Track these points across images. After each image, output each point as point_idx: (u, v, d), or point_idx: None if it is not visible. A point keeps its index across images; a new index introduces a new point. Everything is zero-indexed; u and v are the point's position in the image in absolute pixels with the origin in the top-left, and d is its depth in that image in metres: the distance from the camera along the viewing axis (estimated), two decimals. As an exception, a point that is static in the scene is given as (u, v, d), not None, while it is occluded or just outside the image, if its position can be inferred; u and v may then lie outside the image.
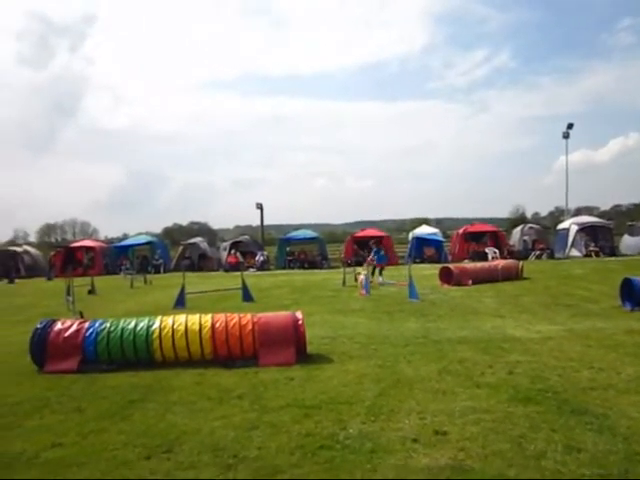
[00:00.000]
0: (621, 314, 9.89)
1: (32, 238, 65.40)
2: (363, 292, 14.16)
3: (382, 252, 18.74)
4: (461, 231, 29.76)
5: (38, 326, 6.94)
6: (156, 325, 6.72)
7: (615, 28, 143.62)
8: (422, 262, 27.10)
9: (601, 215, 49.02)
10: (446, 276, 16.33)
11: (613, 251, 27.95)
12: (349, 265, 20.94)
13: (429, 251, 28.69)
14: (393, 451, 3.94)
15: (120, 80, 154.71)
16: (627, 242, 29.48)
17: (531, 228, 31.16)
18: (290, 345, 6.65)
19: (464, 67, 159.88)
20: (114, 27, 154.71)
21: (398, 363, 6.60)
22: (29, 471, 3.86)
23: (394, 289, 14.83)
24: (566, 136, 41.09)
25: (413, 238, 29.38)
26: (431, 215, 66.77)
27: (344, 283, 16.75)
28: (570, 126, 41.04)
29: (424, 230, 31.43)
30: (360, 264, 21.00)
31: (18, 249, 31.76)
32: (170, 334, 6.60)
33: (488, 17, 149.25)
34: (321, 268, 27.11)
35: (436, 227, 36.24)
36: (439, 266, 18.46)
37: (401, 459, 3.80)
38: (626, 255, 27.25)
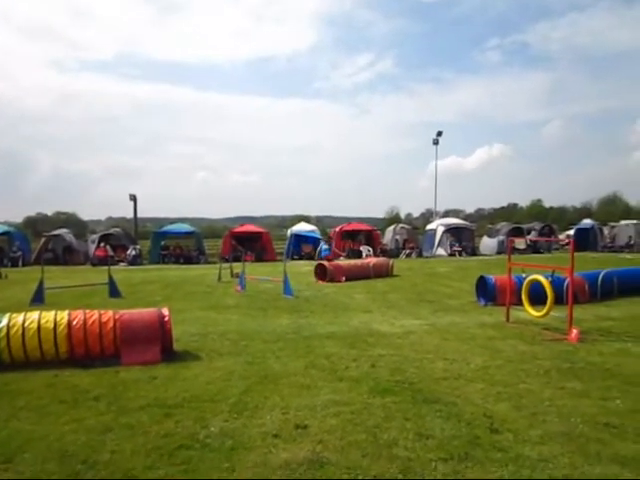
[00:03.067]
0: (476, 309, 10.75)
1: None
2: (239, 288, 14.04)
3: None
4: (338, 229, 30.65)
5: None
6: (3, 323, 6.12)
7: (484, 46, 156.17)
8: (300, 259, 27.50)
9: (466, 218, 53.07)
10: (321, 273, 16.69)
11: (474, 251, 30.34)
12: (226, 261, 20.66)
13: (307, 248, 29.17)
14: (253, 447, 3.94)
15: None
16: (486, 243, 32.24)
17: (402, 228, 32.88)
18: (155, 343, 6.40)
19: (349, 70, 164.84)
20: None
21: (267, 359, 6.62)
22: None
23: (270, 285, 14.86)
24: (436, 142, 43.84)
25: (291, 235, 29.70)
26: (313, 213, 68.00)
27: (220, 279, 16.51)
28: (439, 133, 43.84)
29: (302, 227, 31.89)
30: (238, 259, 20.83)
31: None
32: (20, 333, 6.05)
33: (374, 22, 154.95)
34: (197, 263, 26.45)
35: (316, 225, 36.99)
36: (316, 263, 18.85)
37: (260, 455, 3.81)
38: (485, 255, 29.74)
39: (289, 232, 31.04)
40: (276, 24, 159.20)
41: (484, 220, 62.87)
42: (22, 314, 6.39)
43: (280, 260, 26.50)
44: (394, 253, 28.75)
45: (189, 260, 26.86)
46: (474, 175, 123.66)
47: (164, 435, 4.18)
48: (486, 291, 11.17)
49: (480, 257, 28.34)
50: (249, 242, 28.59)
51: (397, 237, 31.41)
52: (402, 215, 68.54)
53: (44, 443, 4.06)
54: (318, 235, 30.52)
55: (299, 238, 29.66)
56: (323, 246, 20.56)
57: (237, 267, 17.96)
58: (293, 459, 3.74)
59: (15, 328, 6.08)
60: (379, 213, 75.27)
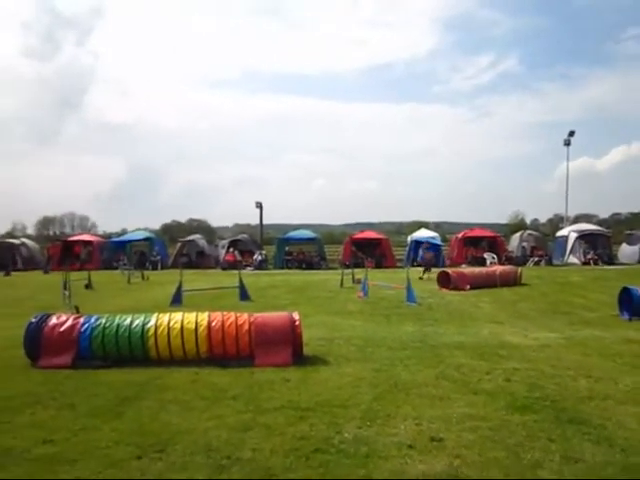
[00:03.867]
0: (619, 323, 9.85)
1: (30, 231, 65.30)
2: (361, 294, 14.11)
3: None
4: (460, 236, 29.78)
5: (32, 320, 6.89)
6: (152, 323, 6.67)
7: (620, 37, 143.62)
8: (420, 266, 27.05)
9: (600, 223, 48.98)
10: (444, 280, 16.30)
11: (611, 259, 27.97)
12: (347, 266, 20.90)
13: (428, 255, 28.63)
14: (389, 457, 3.89)
15: (125, 75, 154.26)
16: (625, 251, 29.54)
17: (530, 235, 31.18)
18: (287, 346, 6.59)
19: (470, 72, 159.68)
20: (120, 21, 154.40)
21: (394, 367, 6.55)
22: (19, 467, 3.80)
23: (392, 292, 14.77)
24: (567, 143, 41.10)
25: (412, 241, 29.32)
26: (430, 219, 66.67)
27: (342, 284, 16.71)
28: (572, 133, 41.04)
29: (423, 234, 31.39)
30: (358, 266, 21.01)
31: (16, 241, 31.68)
32: (166, 332, 6.55)
33: (496, 22, 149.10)
34: (319, 269, 27.06)
35: (435, 231, 36.24)
36: (437, 270, 18.45)
37: (396, 465, 3.75)
38: (624, 264, 27.26)
39: (409, 238, 30.68)
40: (393, 30, 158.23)
41: (621, 226, 57.52)
42: (167, 314, 6.91)
43: (399, 267, 26.31)
44: (521, 261, 27.31)
45: (311, 265, 27.56)
46: (608, 177, 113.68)
47: (300, 437, 4.27)
48: (631, 304, 10.20)
49: (618, 266, 26.04)
50: (369, 248, 28.72)
51: (524, 244, 29.85)
52: (527, 220, 65.01)
53: (191, 437, 4.33)
54: (439, 242, 29.84)
55: (420, 245, 29.19)
56: (419, 251, 20.45)
57: (358, 273, 18.10)
58: (430, 472, 3.64)
59: (162, 328, 6.58)
60: (499, 218, 71.93)
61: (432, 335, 8.65)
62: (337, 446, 4.09)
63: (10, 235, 52.59)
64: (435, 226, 58.16)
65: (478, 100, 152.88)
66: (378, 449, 4.03)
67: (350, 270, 18.61)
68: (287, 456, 3.93)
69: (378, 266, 27.04)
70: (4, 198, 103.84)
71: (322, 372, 6.32)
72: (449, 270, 17.33)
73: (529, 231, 33.06)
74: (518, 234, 31.47)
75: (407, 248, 29.60)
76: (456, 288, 15.59)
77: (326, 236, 46.39)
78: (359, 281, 16.69)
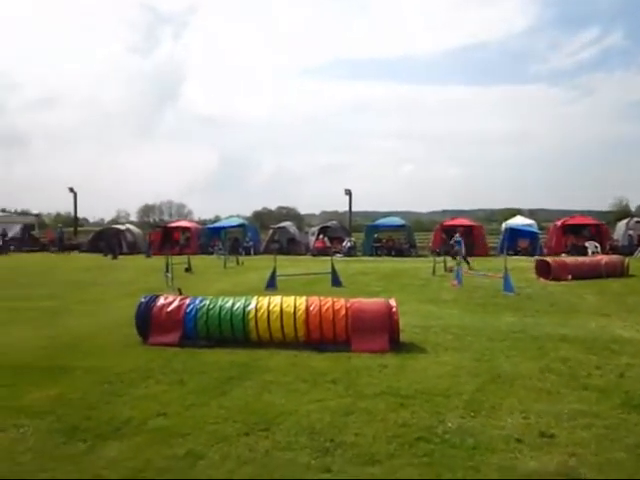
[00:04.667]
0: None
1: (133, 217, 69.60)
2: (455, 282, 13.77)
3: (460, 240, 19.26)
4: (559, 223, 28.13)
5: (142, 300, 7.32)
6: (252, 306, 6.88)
7: None
8: (515, 254, 25.96)
9: None
10: (543, 270, 15.51)
11: None
12: (438, 254, 20.47)
13: (523, 243, 27.41)
14: (496, 450, 3.76)
15: (216, 67, 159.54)
16: None
17: (638, 222, 28.91)
18: (384, 332, 6.56)
19: (570, 48, 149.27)
20: (212, 14, 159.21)
21: (496, 358, 6.33)
22: (137, 437, 4.07)
23: (487, 281, 14.28)
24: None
25: (506, 229, 28.12)
26: (524, 205, 63.58)
27: (434, 272, 16.40)
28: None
29: (518, 221, 30.04)
30: (448, 253, 20.51)
31: (121, 227, 33.80)
32: (266, 315, 6.73)
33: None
34: (408, 256, 26.69)
35: (530, 218, 34.54)
36: (534, 259, 17.61)
37: (505, 459, 3.62)
38: None
39: (504, 226, 29.48)
40: (485, 8, 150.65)
41: None
42: (267, 298, 7.10)
43: (492, 255, 25.41)
44: (627, 250, 25.41)
45: (400, 253, 27.25)
46: None
47: (402, 425, 4.24)
48: None
49: None
50: (460, 236, 27.91)
51: (630, 232, 27.71)
52: (632, 207, 60.29)
53: (294, 417, 4.42)
54: (536, 229, 28.45)
55: (514, 232, 27.99)
56: (457, 239, 19.26)
57: (450, 261, 17.69)
58: (543, 469, 3.48)
59: (262, 310, 6.77)
60: (600, 205, 67.16)
61: (533, 326, 8.27)
62: (441, 436, 4.02)
63: (115, 222, 56.47)
64: (530, 213, 55.50)
65: (579, 79, 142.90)
66: (484, 441, 3.91)
67: (443, 258, 18.22)
68: (390, 442, 3.91)
69: (469, 254, 26.21)
70: (110, 187, 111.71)
71: (420, 360, 6.23)
72: (549, 259, 16.47)
73: (637, 218, 30.64)
74: (624, 222, 29.23)
75: (501, 236, 28.48)
76: (557, 278, 14.78)
77: (415, 223, 45.70)
78: (452, 269, 16.31)
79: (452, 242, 20.35)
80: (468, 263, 18.23)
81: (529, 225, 28.76)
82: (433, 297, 11.55)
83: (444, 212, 68.02)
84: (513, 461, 3.60)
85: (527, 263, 18.36)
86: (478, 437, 3.98)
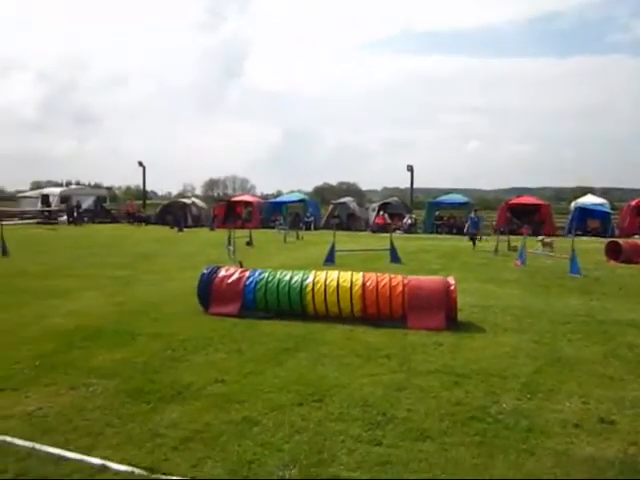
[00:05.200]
0: None
1: (198, 191, 71.63)
2: (518, 262, 13.39)
3: (476, 220, 18.77)
4: (633, 203, 26.61)
5: (204, 272, 7.57)
6: (310, 280, 6.97)
7: None
8: (584, 235, 24.85)
9: None
10: (613, 252, 14.79)
11: None
12: (502, 233, 19.90)
13: (593, 223, 26.20)
14: (552, 434, 3.69)
15: (280, 42, 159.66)
16: None
17: None
18: (440, 310, 6.50)
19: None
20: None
21: (557, 341, 6.16)
22: (197, 401, 4.25)
23: (551, 262, 13.80)
24: None
25: (576, 208, 26.93)
26: (596, 184, 60.42)
27: (496, 251, 15.99)
28: None
29: (589, 200, 28.65)
30: (513, 232, 19.91)
31: (187, 201, 34.83)
32: (322, 289, 6.81)
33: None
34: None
35: (602, 197, 32.86)
36: (605, 240, 16.81)
37: (561, 444, 3.55)
38: None
39: (573, 205, 28.23)
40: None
41: None
42: (324, 272, 7.17)
43: (559, 235, 24.42)
44: None
45: (462, 231, 26.66)
46: None
47: (455, 403, 4.22)
48: None
49: None
50: (526, 215, 27.00)
51: None
52: None
53: (347, 390, 4.49)
54: (608, 209, 27.07)
55: (584, 212, 26.75)
56: (473, 218, 18.22)
57: (514, 241, 17.17)
58: (600, 456, 3.38)
59: (319, 285, 6.86)
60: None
61: (600, 310, 7.95)
62: (494, 416, 3.98)
63: (181, 195, 58.28)
64: (602, 192, 52.76)
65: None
66: (540, 424, 3.84)
67: (505, 237, 17.70)
68: (442, 420, 3.91)
69: (535, 234, 25.32)
70: (177, 162, 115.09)
71: (477, 339, 6.15)
72: (620, 241, 15.68)
73: None
74: None
75: (570, 215, 27.32)
76: (627, 261, 14.07)
77: (479, 201, 44.50)
78: (515, 248, 15.85)
79: (467, 220, 19.66)
80: (474, 244, 17.83)
81: (600, 204, 27.37)
82: (494, 276, 11.28)
83: (510, 190, 65.89)
84: (569, 446, 3.52)
85: (596, 244, 17.56)
86: (533, 420, 3.91)
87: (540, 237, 17.43)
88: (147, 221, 32.11)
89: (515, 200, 28.83)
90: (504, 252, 16.14)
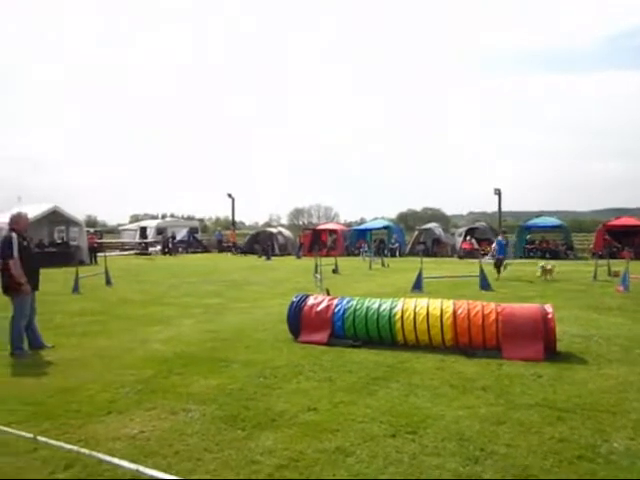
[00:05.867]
0: None
1: (284, 220, 73.42)
2: (621, 288, 12.51)
3: (504, 243, 16.61)
4: None
5: (294, 300, 7.69)
6: (399, 307, 6.89)
7: None
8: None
9: None
10: None
11: None
12: (600, 257, 18.74)
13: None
14: (673, 478, 3.37)
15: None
16: None
17: None
18: (538, 340, 6.18)
19: None
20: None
21: (672, 374, 5.65)
22: (290, 429, 4.28)
23: (660, 287, 12.78)
24: None
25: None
26: None
27: (595, 277, 15.05)
28: None
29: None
30: (613, 256, 18.68)
31: (274, 230, 35.81)
32: (412, 317, 6.70)
33: None
34: (566, 259, 24.77)
35: None
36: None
37: (684, 488, 3.23)
38: None
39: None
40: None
41: None
42: (413, 300, 7.06)
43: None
44: None
45: (556, 255, 25.39)
46: None
47: (559, 440, 3.96)
48: None
49: None
50: (627, 237, 25.29)
51: None
52: None
53: (441, 423, 4.35)
54: None
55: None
56: (500, 241, 16.26)
57: (614, 265, 16.10)
58: None
59: (408, 312, 6.76)
60: None
61: None
62: (605, 456, 3.69)
63: (268, 225, 60.03)
64: None
65: None
66: (659, 466, 3.51)
67: (606, 261, 16.63)
68: (546, 458, 3.68)
69: (639, 257, 23.62)
70: (263, 195, 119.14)
71: (579, 371, 5.77)
72: None
73: None
74: None
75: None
76: None
77: (572, 223, 42.29)
78: (616, 274, 14.84)
79: (493, 245, 17.39)
80: (499, 272, 15.60)
81: None
82: (595, 304, 10.60)
83: (606, 211, 62.25)
84: (694, 492, 3.20)
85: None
86: (650, 461, 3.59)
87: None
88: (245, 251, 33.20)
89: (614, 222, 27.09)
90: (604, 277, 15.16)
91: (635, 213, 44.13)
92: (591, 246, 26.16)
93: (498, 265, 15.88)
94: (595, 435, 4.05)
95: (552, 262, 17.00)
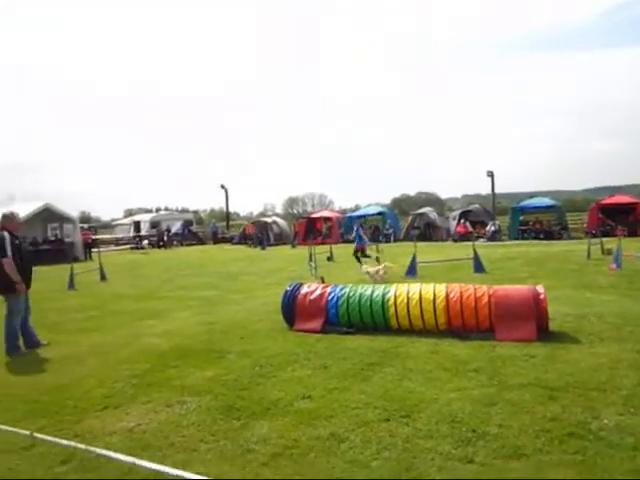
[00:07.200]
0: None
1: (278, 210, 73.38)
2: (613, 266, 12.58)
3: (360, 231, 15.92)
4: None
5: (288, 289, 7.71)
6: (391, 293, 6.92)
7: None
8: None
9: None
10: None
11: None
12: (594, 236, 18.81)
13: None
14: (662, 452, 3.42)
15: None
16: None
17: None
18: (530, 320, 6.23)
19: None
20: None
21: (663, 350, 5.71)
22: (285, 417, 4.32)
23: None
24: None
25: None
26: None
27: (589, 256, 15.12)
28: None
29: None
30: (607, 235, 18.76)
31: (268, 220, 35.77)
32: (405, 302, 6.73)
33: None
34: (559, 239, 24.87)
35: None
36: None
37: (673, 463, 3.28)
38: None
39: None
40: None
41: None
42: (406, 285, 7.10)
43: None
44: None
45: (550, 235, 25.49)
46: None
47: (551, 419, 4.01)
48: None
49: None
50: (619, 215, 25.39)
51: None
52: None
53: (435, 406, 4.39)
54: None
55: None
56: (357, 230, 15.94)
57: (607, 243, 16.17)
58: None
59: (401, 297, 6.79)
60: None
61: None
62: (596, 433, 3.74)
63: (263, 214, 60.01)
64: None
65: None
66: (648, 441, 3.57)
67: (599, 240, 16.71)
68: (537, 437, 3.73)
69: (632, 234, 23.72)
70: (258, 184, 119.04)
71: (572, 350, 5.82)
72: None
73: None
74: None
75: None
76: None
77: (566, 203, 42.42)
78: (609, 252, 14.92)
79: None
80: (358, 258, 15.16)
81: None
82: (588, 283, 10.66)
83: (598, 189, 62.49)
84: (683, 465, 3.25)
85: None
86: (640, 436, 3.65)
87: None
88: (231, 241, 33.07)
89: (607, 200, 27.13)
90: (597, 256, 15.23)
91: (628, 191, 44.30)
92: (585, 225, 26.26)
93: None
94: (586, 412, 4.09)
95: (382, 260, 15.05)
